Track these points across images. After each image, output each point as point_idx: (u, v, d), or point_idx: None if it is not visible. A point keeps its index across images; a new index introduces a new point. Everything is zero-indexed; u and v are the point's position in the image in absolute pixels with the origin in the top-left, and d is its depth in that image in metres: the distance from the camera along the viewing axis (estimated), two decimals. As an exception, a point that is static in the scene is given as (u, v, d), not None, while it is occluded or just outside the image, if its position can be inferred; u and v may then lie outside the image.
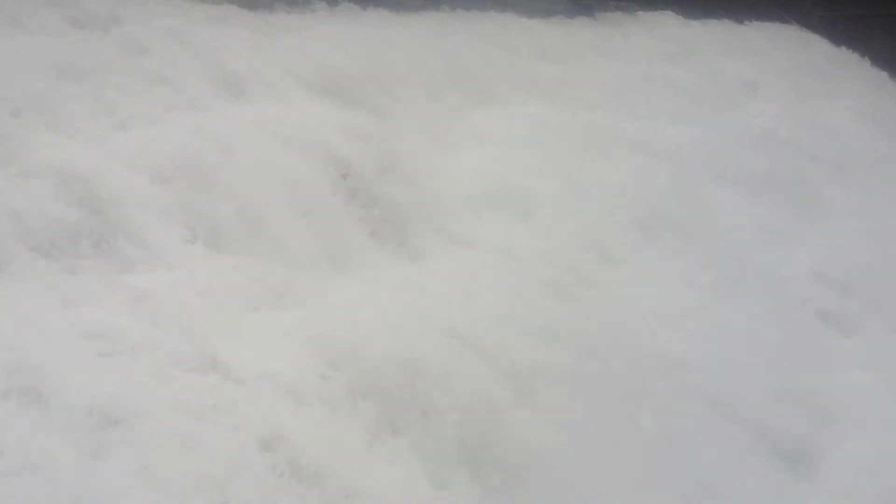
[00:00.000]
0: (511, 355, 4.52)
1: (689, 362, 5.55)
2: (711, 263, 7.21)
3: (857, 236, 8.66)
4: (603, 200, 6.80)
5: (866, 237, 8.73)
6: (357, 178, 5.27)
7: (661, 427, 4.93)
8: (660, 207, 7.57)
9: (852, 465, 5.35)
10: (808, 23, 23.46)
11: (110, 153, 4.26)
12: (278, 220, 4.52)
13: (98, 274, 3.75)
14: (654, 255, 6.63)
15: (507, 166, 6.57)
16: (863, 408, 5.95)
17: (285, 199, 4.76)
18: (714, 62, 13.22)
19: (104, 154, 4.27)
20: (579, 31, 11.74)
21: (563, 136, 7.93)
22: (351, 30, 7.89)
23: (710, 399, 5.33)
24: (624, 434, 4.77)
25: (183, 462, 2.93)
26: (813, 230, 8.59)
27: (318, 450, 3.20)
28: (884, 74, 21.73)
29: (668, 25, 14.88)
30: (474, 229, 5.68)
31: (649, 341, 5.63)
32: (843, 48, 22.09)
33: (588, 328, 5.34)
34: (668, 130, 9.30)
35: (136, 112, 4.68)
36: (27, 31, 5.44)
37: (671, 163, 8.65)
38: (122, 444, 2.93)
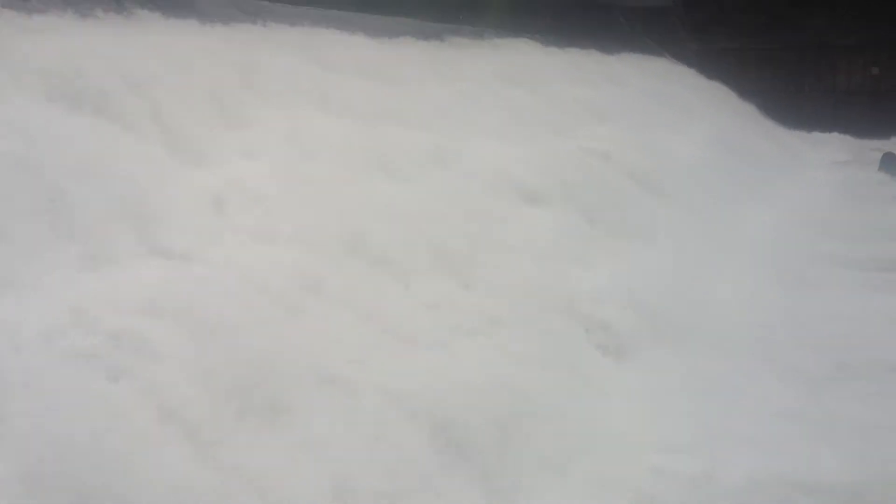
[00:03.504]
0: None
1: (420, 388, 5.05)
2: (493, 283, 6.76)
3: (660, 259, 8.33)
4: (378, 217, 6.29)
5: (670, 260, 8.40)
6: (58, 186, 4.69)
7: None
8: (448, 225, 7.11)
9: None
10: (683, 56, 23.55)
11: None
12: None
13: None
14: (425, 275, 6.14)
15: (267, 179, 6.03)
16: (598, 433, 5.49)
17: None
18: (561, 88, 12.91)
19: None
20: (418, 52, 11.32)
21: (357, 151, 7.42)
22: (141, 37, 7.32)
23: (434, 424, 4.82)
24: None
25: None
26: (615, 251, 8.21)
27: None
28: (751, 106, 21.85)
29: (525, 52, 14.58)
30: (200, 244, 5.13)
31: (386, 366, 5.12)
32: (714, 81, 22.21)
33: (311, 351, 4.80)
34: (486, 149, 8.86)
35: None
36: None
37: (477, 181, 8.20)
38: None
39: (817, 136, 21.50)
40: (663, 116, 14.90)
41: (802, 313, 7.90)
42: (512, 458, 4.73)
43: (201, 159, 6.13)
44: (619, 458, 5.10)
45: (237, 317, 4.58)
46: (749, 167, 14.62)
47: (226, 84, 7.27)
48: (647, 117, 14.13)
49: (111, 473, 3.32)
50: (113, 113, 5.82)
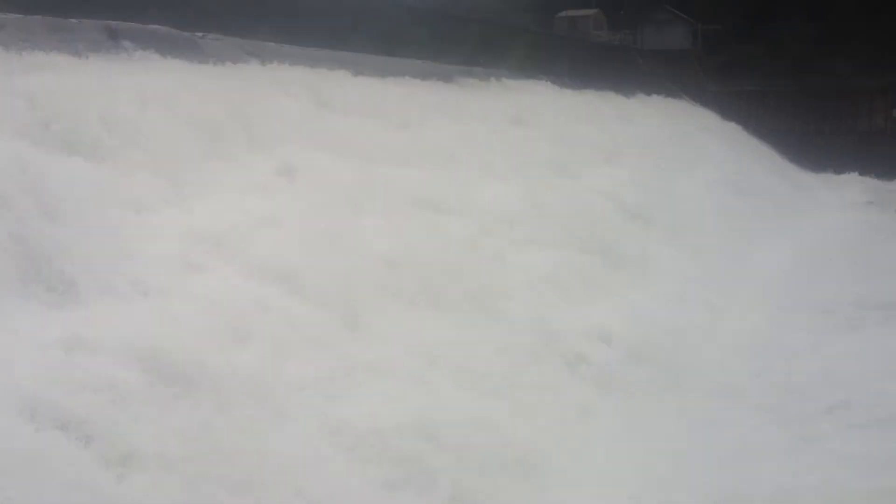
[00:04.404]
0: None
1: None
2: (485, 322, 6.65)
3: (655, 298, 8.15)
4: (365, 257, 6.21)
5: (670, 300, 8.22)
6: (23, 220, 4.65)
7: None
8: (439, 266, 6.99)
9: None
10: (702, 98, 23.43)
11: None
12: None
13: None
14: (413, 314, 6.03)
15: (244, 217, 5.96)
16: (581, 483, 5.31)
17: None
18: (572, 129, 12.81)
19: None
20: (425, 93, 11.27)
21: (352, 190, 7.36)
22: (136, 77, 7.34)
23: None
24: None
25: None
26: (615, 291, 8.06)
27: None
28: (769, 148, 21.64)
29: (538, 94, 14.52)
30: (175, 280, 5.06)
31: (363, 399, 5.03)
32: (732, 122, 22.05)
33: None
34: (482, 191, 8.77)
35: None
36: None
37: (473, 221, 8.08)
38: None
39: (837, 177, 21.23)
40: (675, 157, 14.76)
41: (802, 355, 7.66)
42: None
43: (188, 197, 6.09)
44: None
45: (221, 358, 4.51)
46: (763, 207, 14.42)
47: (220, 123, 7.26)
48: (658, 157, 14.01)
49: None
50: (98, 151, 5.82)
